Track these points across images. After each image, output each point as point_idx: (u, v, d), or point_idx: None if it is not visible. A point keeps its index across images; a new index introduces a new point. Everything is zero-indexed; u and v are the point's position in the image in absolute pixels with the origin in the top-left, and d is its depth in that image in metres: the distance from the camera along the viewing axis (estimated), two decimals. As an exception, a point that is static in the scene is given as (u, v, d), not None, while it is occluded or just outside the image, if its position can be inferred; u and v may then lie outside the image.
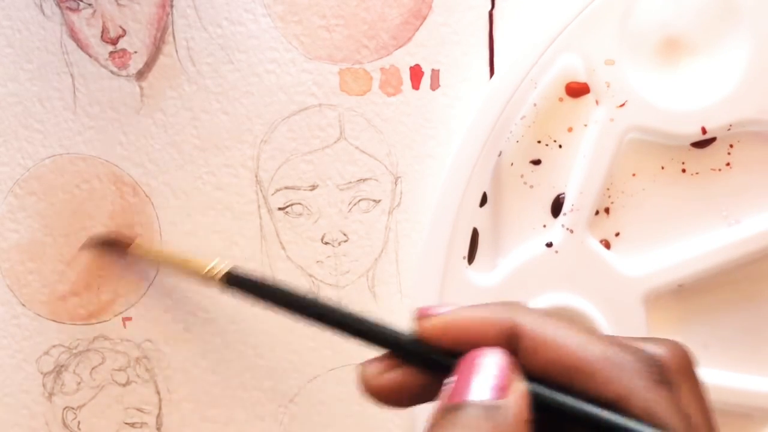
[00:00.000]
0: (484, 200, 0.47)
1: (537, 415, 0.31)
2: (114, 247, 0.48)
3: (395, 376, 0.34)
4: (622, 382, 0.30)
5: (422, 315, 0.34)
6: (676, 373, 0.32)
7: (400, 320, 0.48)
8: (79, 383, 0.48)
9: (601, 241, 0.48)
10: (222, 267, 0.42)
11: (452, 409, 0.30)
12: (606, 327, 0.47)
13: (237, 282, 0.41)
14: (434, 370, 0.33)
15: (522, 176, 0.48)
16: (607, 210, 0.48)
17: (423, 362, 0.33)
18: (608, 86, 0.46)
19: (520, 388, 0.31)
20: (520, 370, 0.31)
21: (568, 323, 0.32)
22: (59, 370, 0.48)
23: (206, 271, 0.43)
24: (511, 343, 0.32)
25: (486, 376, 0.30)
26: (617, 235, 0.48)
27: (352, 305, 0.48)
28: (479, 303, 0.33)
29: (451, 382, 0.31)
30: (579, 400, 0.31)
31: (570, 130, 0.47)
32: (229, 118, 0.48)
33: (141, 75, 0.48)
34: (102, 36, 0.48)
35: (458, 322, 0.33)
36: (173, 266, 0.46)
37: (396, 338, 0.34)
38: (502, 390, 0.30)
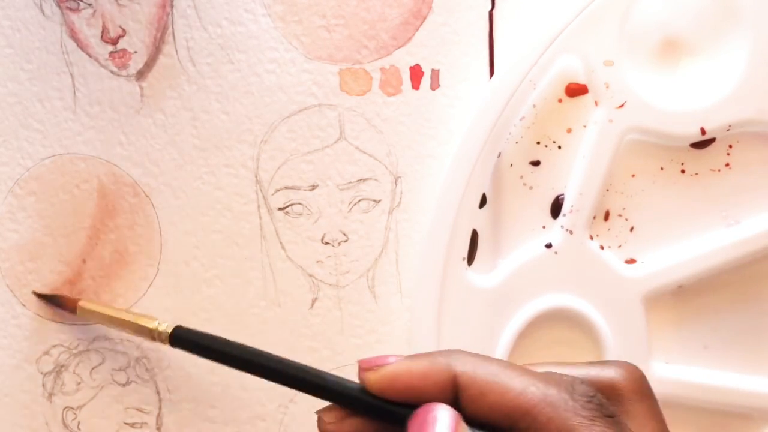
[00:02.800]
0: (483, 201, 0.47)
1: None
2: (59, 306, 0.48)
3: (351, 424, 0.35)
4: (561, 422, 0.31)
5: (366, 368, 0.35)
6: (629, 393, 0.33)
7: (399, 320, 0.48)
8: (79, 383, 0.48)
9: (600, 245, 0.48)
10: (165, 326, 0.43)
11: None
12: (606, 328, 0.47)
13: (182, 340, 0.42)
14: (386, 420, 0.34)
15: (521, 177, 0.48)
16: (606, 212, 0.48)
17: (373, 413, 0.35)
18: (607, 87, 0.46)
19: None
20: (464, 421, 0.32)
21: (506, 366, 0.33)
22: (59, 370, 0.48)
23: (151, 329, 0.43)
24: (454, 392, 0.33)
25: (436, 431, 0.32)
26: (617, 236, 0.48)
27: (352, 305, 0.48)
28: (419, 354, 0.35)
29: None
30: None
31: (569, 131, 0.48)
32: (229, 118, 0.48)
33: (141, 75, 0.48)
34: (102, 36, 0.48)
35: (400, 375, 0.34)
36: (119, 325, 0.46)
37: (345, 391, 0.35)
38: None
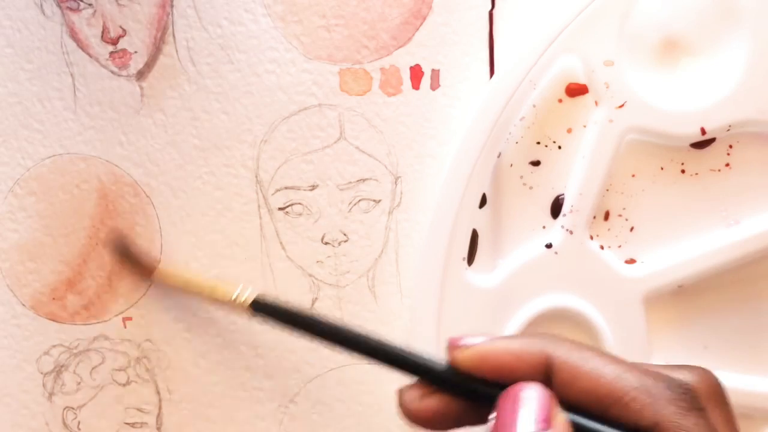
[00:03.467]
0: (483, 201, 0.47)
1: None
2: (137, 267, 0.48)
3: (433, 402, 0.35)
4: (656, 410, 0.31)
5: (455, 345, 0.35)
6: (706, 399, 0.33)
7: (399, 320, 0.48)
8: (79, 383, 0.48)
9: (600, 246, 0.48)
10: (248, 294, 0.42)
11: None
12: (606, 328, 0.47)
13: (264, 309, 0.42)
14: (471, 398, 0.34)
15: (521, 177, 0.48)
16: (606, 212, 0.48)
17: (459, 391, 0.34)
18: (607, 87, 0.46)
19: (562, 419, 0.32)
20: (557, 402, 0.32)
21: (600, 353, 0.33)
22: (59, 370, 0.48)
23: (232, 298, 0.43)
24: (546, 374, 0.33)
25: (530, 409, 0.32)
26: (617, 236, 0.48)
27: (352, 305, 0.48)
28: (511, 335, 0.35)
29: (494, 417, 0.32)
30: (615, 428, 0.32)
31: (569, 131, 0.47)
32: (229, 118, 0.48)
33: (141, 75, 0.48)
34: (102, 36, 0.48)
35: (493, 354, 0.34)
36: (198, 293, 0.45)
37: (431, 368, 0.35)
38: (547, 421, 0.31)
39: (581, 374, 0.32)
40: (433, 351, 0.46)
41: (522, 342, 0.34)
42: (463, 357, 0.34)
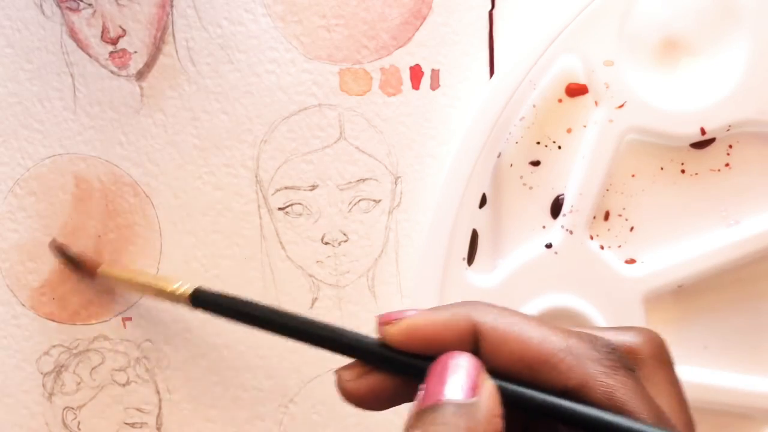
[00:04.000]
0: (483, 201, 0.47)
1: (506, 410, 0.31)
2: (80, 268, 0.48)
3: (370, 380, 0.35)
4: (582, 370, 0.31)
5: (385, 321, 0.34)
6: (647, 360, 0.33)
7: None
8: (79, 383, 0.48)
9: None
10: (187, 287, 0.42)
11: (428, 410, 0.31)
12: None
13: (203, 301, 0.42)
14: (405, 374, 0.34)
15: (521, 177, 0.48)
16: (606, 212, 0.48)
17: (393, 367, 0.34)
18: (607, 87, 0.46)
19: (489, 385, 0.31)
20: (484, 369, 0.32)
21: (526, 318, 0.33)
22: (59, 370, 0.48)
23: (171, 290, 0.43)
24: (474, 342, 0.33)
25: (457, 377, 0.31)
26: (617, 236, 0.48)
27: (352, 305, 0.48)
28: (439, 306, 0.34)
29: (423, 386, 0.32)
30: (541, 392, 0.32)
31: (569, 131, 0.48)
32: (229, 118, 0.48)
33: (141, 75, 0.48)
34: (102, 36, 0.48)
35: (420, 326, 0.33)
36: (141, 289, 0.46)
37: (364, 346, 0.35)
38: (474, 389, 0.31)
39: (508, 339, 0.32)
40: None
41: (448, 312, 0.33)
42: (392, 332, 0.34)
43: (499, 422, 0.31)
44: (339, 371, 0.35)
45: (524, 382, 0.32)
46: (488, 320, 0.33)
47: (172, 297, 0.43)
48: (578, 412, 0.31)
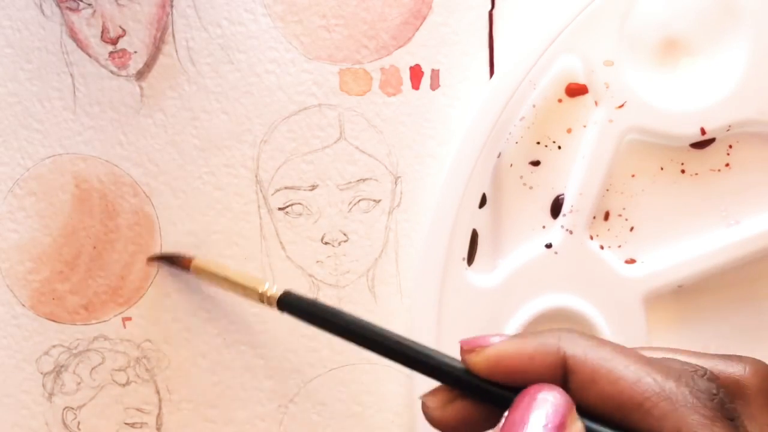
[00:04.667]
0: (483, 201, 0.47)
1: None
2: (174, 264, 0.48)
3: (456, 408, 0.33)
4: (677, 419, 0.29)
5: (468, 349, 0.33)
6: (754, 395, 0.31)
7: (399, 320, 0.48)
8: (79, 383, 0.48)
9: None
10: (276, 290, 0.42)
11: None
12: (606, 328, 0.47)
13: (290, 305, 0.41)
14: (492, 402, 0.33)
15: (521, 177, 0.48)
16: (606, 212, 0.48)
17: (478, 395, 0.33)
18: (607, 87, 0.46)
19: (578, 427, 0.30)
20: (575, 408, 0.30)
21: (621, 352, 0.31)
22: (59, 370, 0.48)
23: (261, 292, 0.42)
24: (563, 375, 0.31)
25: (543, 412, 0.30)
26: (617, 236, 0.48)
27: (352, 305, 0.48)
28: (526, 333, 0.33)
29: (506, 416, 0.30)
30: None
31: (569, 131, 0.48)
32: (229, 118, 0.48)
33: (141, 75, 0.48)
34: (102, 36, 0.48)
35: (506, 357, 0.32)
36: (229, 286, 0.45)
37: (452, 371, 0.34)
38: (560, 427, 0.29)
39: (599, 376, 0.30)
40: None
41: (536, 342, 0.32)
42: (477, 362, 0.32)
43: None
44: (424, 398, 0.34)
45: (615, 424, 0.30)
46: (578, 353, 0.31)
47: (261, 298, 0.42)
48: None
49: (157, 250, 0.48)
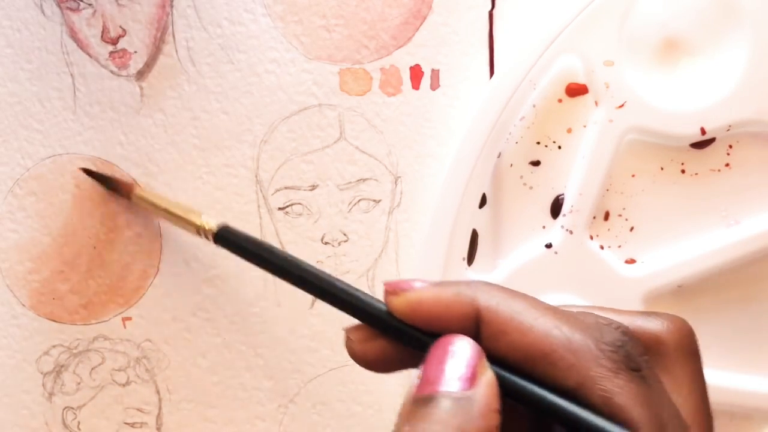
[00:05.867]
0: (483, 201, 0.47)
1: (503, 402, 0.30)
2: (115, 189, 0.48)
3: (376, 345, 0.34)
4: (580, 370, 0.30)
5: (391, 291, 0.33)
6: (671, 351, 0.31)
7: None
8: (79, 383, 0.48)
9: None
10: (213, 224, 0.42)
11: (423, 400, 0.30)
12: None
13: (226, 239, 0.42)
14: (410, 345, 0.33)
15: (521, 177, 0.48)
16: (606, 212, 0.48)
17: (398, 336, 0.34)
18: (607, 87, 0.46)
19: (488, 377, 0.30)
20: (485, 357, 0.31)
21: (534, 305, 0.31)
22: (59, 370, 0.48)
23: (198, 225, 0.43)
24: (476, 325, 0.31)
25: (455, 366, 0.30)
26: (617, 236, 0.48)
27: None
28: (446, 282, 0.33)
29: (420, 371, 0.31)
30: (540, 387, 0.30)
31: (569, 131, 0.48)
32: (229, 118, 0.48)
33: (141, 75, 0.48)
34: (102, 36, 0.48)
35: (425, 302, 0.32)
36: (168, 217, 0.46)
37: (371, 310, 0.34)
38: (471, 380, 0.30)
39: (510, 328, 0.31)
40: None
41: (452, 291, 0.32)
42: (397, 304, 0.33)
43: (495, 417, 0.29)
44: (347, 330, 0.34)
45: (526, 375, 0.31)
46: (492, 304, 0.31)
47: (199, 230, 0.43)
48: (569, 413, 0.30)
49: (157, 251, 0.48)
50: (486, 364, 0.31)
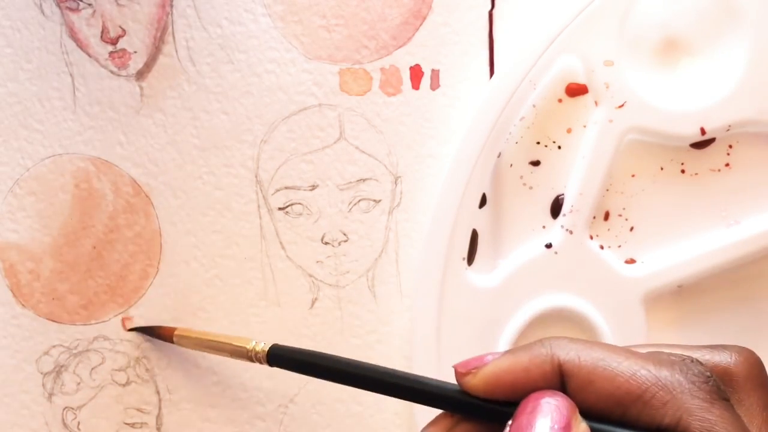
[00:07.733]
0: (483, 201, 0.47)
1: None
2: (156, 336, 0.48)
3: (463, 429, 0.33)
4: (676, 406, 0.30)
5: (464, 372, 0.33)
6: (742, 382, 0.31)
7: (399, 320, 0.48)
8: (79, 383, 0.48)
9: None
10: (262, 346, 0.42)
11: None
12: (606, 328, 0.47)
13: (280, 358, 0.42)
14: (493, 420, 0.33)
15: (521, 177, 0.48)
16: (606, 212, 0.48)
17: (481, 416, 0.33)
18: (607, 87, 0.46)
19: (581, 428, 0.30)
20: (577, 410, 0.31)
21: (611, 350, 0.31)
22: (59, 370, 0.48)
23: (248, 350, 0.43)
24: (560, 382, 0.31)
25: (548, 418, 0.30)
26: (617, 236, 0.48)
27: (352, 305, 0.48)
28: (514, 348, 0.33)
29: (511, 424, 0.30)
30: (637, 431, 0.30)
31: (569, 131, 0.48)
32: (229, 118, 0.48)
33: (141, 75, 0.48)
34: (102, 36, 0.48)
35: (502, 374, 0.32)
36: (215, 349, 0.45)
37: (450, 397, 0.34)
38: (565, 430, 0.30)
39: (596, 376, 0.30)
40: (434, 356, 0.46)
41: (529, 354, 0.32)
42: (475, 383, 0.32)
43: None
44: (427, 429, 0.34)
45: (617, 421, 0.30)
46: (572, 357, 0.31)
47: (249, 355, 0.43)
48: None
49: (157, 251, 0.48)
50: (578, 417, 0.30)
